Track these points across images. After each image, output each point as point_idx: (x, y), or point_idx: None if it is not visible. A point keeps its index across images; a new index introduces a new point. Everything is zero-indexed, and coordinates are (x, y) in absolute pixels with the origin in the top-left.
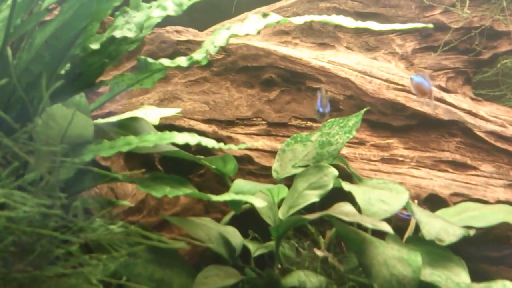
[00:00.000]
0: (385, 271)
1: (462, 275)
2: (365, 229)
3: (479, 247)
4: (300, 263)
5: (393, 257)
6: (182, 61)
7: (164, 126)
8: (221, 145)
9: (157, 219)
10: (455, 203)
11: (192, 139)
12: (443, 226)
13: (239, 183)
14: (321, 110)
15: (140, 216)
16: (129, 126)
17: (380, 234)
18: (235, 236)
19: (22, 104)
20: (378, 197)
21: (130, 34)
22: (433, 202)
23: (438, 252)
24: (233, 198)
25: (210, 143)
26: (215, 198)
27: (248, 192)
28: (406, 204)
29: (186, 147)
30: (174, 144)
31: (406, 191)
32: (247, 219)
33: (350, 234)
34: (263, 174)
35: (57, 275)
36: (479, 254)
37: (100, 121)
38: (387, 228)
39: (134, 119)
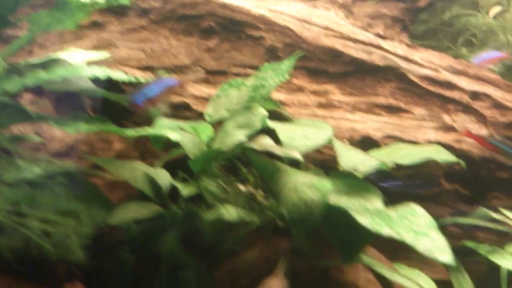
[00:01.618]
0: (294, 196)
1: (376, 203)
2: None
3: (409, 187)
4: (225, 199)
5: (303, 183)
6: None
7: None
8: (132, 78)
9: (88, 163)
10: (387, 145)
11: (101, 72)
12: (360, 159)
13: (162, 121)
14: None
15: (68, 160)
16: (49, 67)
17: None
18: (163, 177)
19: None
20: (301, 133)
21: None
22: (367, 144)
23: (357, 184)
24: (149, 132)
25: (121, 77)
26: (129, 133)
27: (170, 129)
28: (329, 140)
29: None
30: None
31: (331, 128)
32: (184, 164)
33: (264, 163)
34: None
35: None
36: (411, 193)
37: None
38: (297, 155)
39: (55, 60)
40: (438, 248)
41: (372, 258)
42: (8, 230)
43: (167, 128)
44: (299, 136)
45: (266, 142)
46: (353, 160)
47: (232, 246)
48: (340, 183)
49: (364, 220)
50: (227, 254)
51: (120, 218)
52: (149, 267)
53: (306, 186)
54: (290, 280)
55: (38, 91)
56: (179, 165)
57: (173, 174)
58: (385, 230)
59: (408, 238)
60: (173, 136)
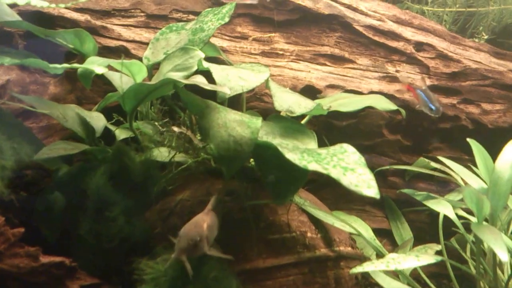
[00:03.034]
0: (223, 132)
1: (309, 144)
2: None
3: (351, 137)
4: (159, 142)
5: (233, 120)
6: None
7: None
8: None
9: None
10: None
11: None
12: (296, 100)
13: (92, 59)
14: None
15: None
16: None
17: None
18: (98, 119)
19: None
20: (237, 75)
21: None
22: (310, 93)
23: (294, 127)
24: (72, 66)
25: (42, 4)
26: (54, 67)
27: (98, 64)
28: (265, 82)
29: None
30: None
31: (268, 71)
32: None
33: (194, 100)
34: None
35: None
36: (352, 144)
37: None
38: (226, 90)
39: None
40: (364, 182)
41: (308, 202)
42: None
43: (95, 64)
44: (235, 77)
45: (197, 80)
46: (288, 101)
47: (164, 187)
48: (276, 125)
49: (292, 156)
50: (160, 195)
51: (46, 155)
52: (77, 206)
53: (236, 123)
54: (223, 220)
55: None
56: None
57: (110, 120)
58: (312, 165)
59: (334, 172)
60: (99, 69)
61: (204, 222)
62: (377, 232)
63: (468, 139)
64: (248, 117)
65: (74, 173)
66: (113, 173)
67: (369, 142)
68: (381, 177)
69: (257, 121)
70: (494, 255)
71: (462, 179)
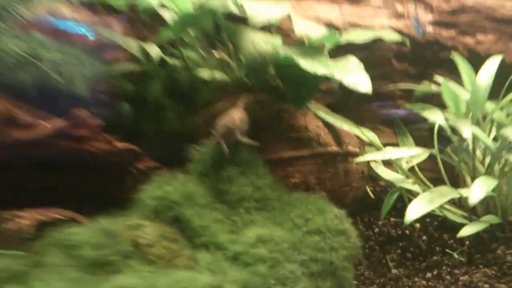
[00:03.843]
0: (251, 47)
1: (320, 57)
2: None
3: (365, 67)
4: (202, 64)
5: (259, 39)
6: None
7: None
8: None
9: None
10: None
11: None
12: (312, 27)
13: None
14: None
15: None
16: None
17: None
18: (154, 49)
19: None
20: (265, 8)
21: None
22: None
23: (311, 51)
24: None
25: None
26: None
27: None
28: (288, 14)
29: None
30: None
31: (289, 5)
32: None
33: (230, 26)
34: None
35: None
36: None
37: None
38: (256, 20)
39: None
40: (361, 82)
41: (321, 110)
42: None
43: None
44: (263, 9)
45: (231, 9)
46: (305, 27)
47: (206, 98)
48: (296, 48)
49: (305, 63)
50: (204, 104)
51: (114, 70)
52: (140, 109)
53: (261, 41)
54: (252, 124)
55: None
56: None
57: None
58: (321, 70)
59: (338, 74)
60: (154, 2)
61: (235, 114)
62: (386, 145)
63: (453, 55)
64: (270, 37)
65: (139, 87)
66: (166, 86)
67: (381, 70)
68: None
69: (278, 40)
70: (473, 149)
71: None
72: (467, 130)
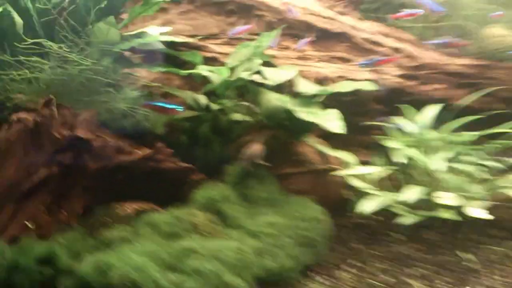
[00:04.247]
0: (268, 103)
1: (314, 108)
2: None
3: (352, 107)
4: (235, 110)
5: (273, 97)
6: None
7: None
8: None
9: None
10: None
11: (167, 38)
12: (311, 86)
13: (201, 66)
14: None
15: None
16: (140, 36)
17: None
18: (203, 99)
19: None
20: (278, 73)
21: None
22: (326, 82)
23: (309, 102)
24: (192, 71)
25: (177, 40)
26: (182, 72)
27: (204, 70)
28: (295, 76)
29: None
30: None
31: (296, 71)
32: (215, 94)
33: (253, 88)
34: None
35: None
36: (352, 111)
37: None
38: (270, 83)
39: (143, 32)
40: (337, 126)
41: (314, 141)
42: None
43: (203, 70)
44: (276, 74)
45: (256, 77)
46: (306, 87)
47: (238, 133)
48: (300, 101)
49: (302, 114)
50: (236, 138)
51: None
52: (195, 141)
53: (275, 99)
54: (267, 149)
55: (133, 50)
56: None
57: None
58: (311, 118)
59: (322, 121)
60: (205, 73)
61: (257, 145)
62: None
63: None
64: (281, 96)
65: (193, 125)
66: (211, 125)
67: (364, 109)
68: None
69: (287, 98)
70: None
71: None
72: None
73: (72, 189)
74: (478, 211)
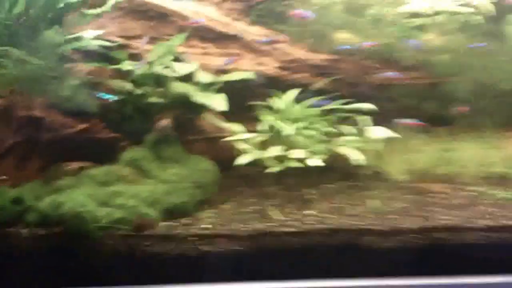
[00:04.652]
0: (174, 90)
1: None
2: None
3: None
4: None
5: (179, 86)
6: None
7: None
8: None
9: None
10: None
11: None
12: (205, 75)
13: None
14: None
15: None
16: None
17: None
18: None
19: None
20: (184, 66)
21: None
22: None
23: (205, 89)
24: None
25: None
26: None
27: None
28: (195, 70)
29: None
30: None
31: (197, 64)
32: None
33: (164, 78)
34: None
35: None
36: None
37: None
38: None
39: (80, 37)
40: (221, 105)
41: (212, 116)
42: None
43: (127, 64)
44: (182, 67)
45: (168, 70)
46: (204, 77)
47: (154, 112)
48: (199, 88)
49: (196, 98)
50: (152, 115)
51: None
52: (122, 119)
53: (180, 86)
54: (175, 122)
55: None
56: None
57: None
58: (203, 100)
59: (212, 102)
60: (128, 67)
61: (167, 120)
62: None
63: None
64: (185, 84)
65: (120, 106)
66: (134, 106)
67: (251, 93)
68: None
69: (189, 86)
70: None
71: None
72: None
73: (32, 153)
74: (315, 161)
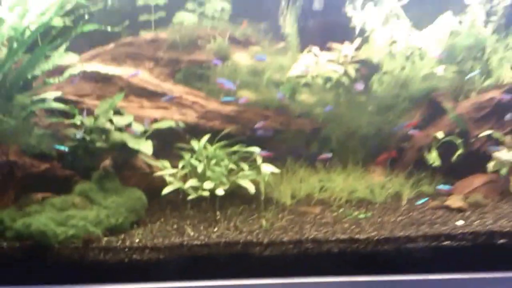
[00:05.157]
0: (115, 138)
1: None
2: None
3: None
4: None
5: (118, 135)
6: None
7: None
8: None
9: None
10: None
11: None
12: (137, 127)
13: None
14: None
15: None
16: None
17: None
18: None
19: None
20: (122, 118)
21: None
22: (153, 122)
23: (140, 136)
24: None
25: None
26: None
27: None
28: (131, 120)
29: None
30: None
31: (131, 116)
32: None
33: (106, 129)
34: None
35: None
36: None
37: None
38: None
39: (44, 98)
40: (147, 148)
41: (146, 157)
42: None
43: (77, 119)
44: (120, 120)
45: (108, 123)
46: (138, 127)
47: (99, 154)
48: (133, 136)
49: (130, 144)
50: (98, 156)
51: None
52: (75, 159)
53: (119, 135)
54: (114, 162)
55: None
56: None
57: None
58: (136, 146)
59: (141, 147)
60: (78, 121)
61: (108, 160)
62: None
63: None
64: (123, 133)
65: (75, 149)
66: (84, 149)
67: (177, 137)
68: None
69: (126, 135)
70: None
71: None
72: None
73: (8, 187)
74: (219, 190)
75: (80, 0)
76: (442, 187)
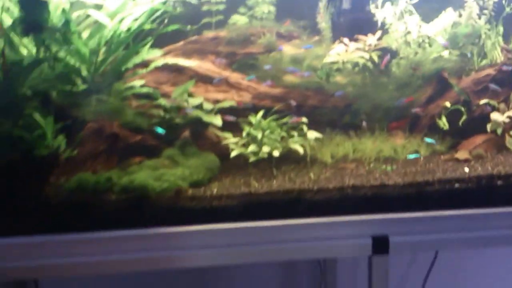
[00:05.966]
0: None
1: None
2: None
3: None
4: None
5: None
6: None
7: None
8: None
9: None
10: None
11: None
12: None
13: None
14: None
15: None
16: None
17: None
18: None
19: None
20: None
21: None
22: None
23: None
24: None
25: None
26: None
27: None
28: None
29: None
30: None
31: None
32: None
33: None
34: None
35: None
36: None
37: None
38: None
39: None
40: None
41: None
42: None
43: None
44: None
45: None
46: None
47: None
48: None
49: None
50: None
51: None
52: None
53: None
54: None
55: None
56: None
57: None
58: None
59: None
60: None
61: None
62: None
63: None
64: None
65: None
66: None
67: None
68: None
69: None
70: None
71: None
72: None
73: (114, 152)
74: (275, 153)
75: (167, 8)
76: (428, 139)
